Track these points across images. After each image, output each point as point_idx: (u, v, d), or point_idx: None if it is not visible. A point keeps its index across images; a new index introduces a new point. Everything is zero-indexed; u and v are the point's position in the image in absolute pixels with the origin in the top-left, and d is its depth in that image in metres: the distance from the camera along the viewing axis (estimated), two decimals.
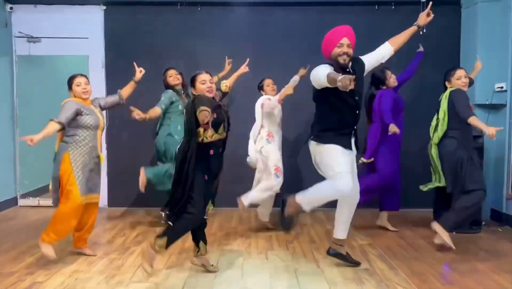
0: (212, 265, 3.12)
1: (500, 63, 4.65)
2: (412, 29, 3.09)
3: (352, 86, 2.47)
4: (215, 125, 2.90)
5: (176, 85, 4.30)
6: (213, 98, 3.00)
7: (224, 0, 5.15)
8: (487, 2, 4.72)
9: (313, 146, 3.07)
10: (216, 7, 5.21)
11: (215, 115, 2.86)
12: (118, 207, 5.25)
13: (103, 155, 3.65)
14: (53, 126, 3.18)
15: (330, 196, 3.00)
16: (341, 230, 3.16)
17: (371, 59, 3.09)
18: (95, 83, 5.21)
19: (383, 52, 3.08)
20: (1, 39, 5.11)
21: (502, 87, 4.59)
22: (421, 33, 5.01)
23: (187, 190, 2.82)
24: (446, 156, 3.56)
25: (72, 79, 3.39)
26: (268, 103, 4.07)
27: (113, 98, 3.65)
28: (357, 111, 2.99)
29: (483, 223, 4.36)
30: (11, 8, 5.22)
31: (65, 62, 6.12)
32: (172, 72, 4.32)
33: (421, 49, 4.31)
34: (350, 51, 2.91)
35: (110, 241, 3.90)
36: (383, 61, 3.10)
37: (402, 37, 3.08)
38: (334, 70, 2.85)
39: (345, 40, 2.89)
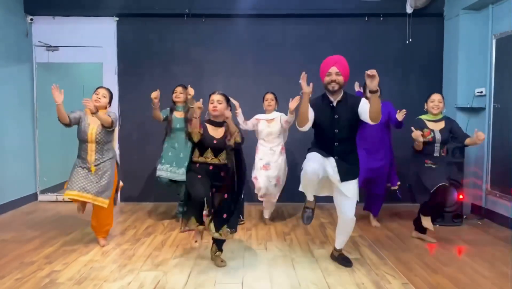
0: (222, 261, 3.09)
1: (480, 69, 4.65)
2: (371, 97, 2.68)
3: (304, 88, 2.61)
4: (200, 148, 2.91)
5: (178, 103, 4.22)
6: (220, 122, 2.99)
7: (226, 12, 5.16)
8: (468, 13, 4.72)
9: None
10: (220, 18, 5.21)
11: (201, 131, 2.86)
12: (130, 202, 5.26)
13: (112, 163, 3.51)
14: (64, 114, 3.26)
15: (302, 177, 2.83)
16: (336, 241, 3.13)
17: (365, 109, 2.78)
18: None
19: (366, 112, 2.78)
20: (22, 48, 5.12)
21: (481, 92, 4.60)
22: (407, 42, 5.08)
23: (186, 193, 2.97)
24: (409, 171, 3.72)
25: (96, 89, 3.43)
26: (250, 122, 4.17)
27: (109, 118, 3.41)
28: (335, 144, 2.83)
29: (464, 216, 4.36)
30: (31, 19, 5.22)
31: (80, 69, 6.13)
32: (177, 89, 4.23)
33: (400, 118, 3.78)
34: (339, 78, 2.78)
35: (122, 233, 3.91)
36: (363, 118, 2.81)
37: (372, 105, 2.71)
38: (320, 101, 2.89)
39: (333, 69, 2.79)
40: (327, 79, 2.83)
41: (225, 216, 2.93)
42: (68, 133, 3.49)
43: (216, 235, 2.94)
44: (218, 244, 3.11)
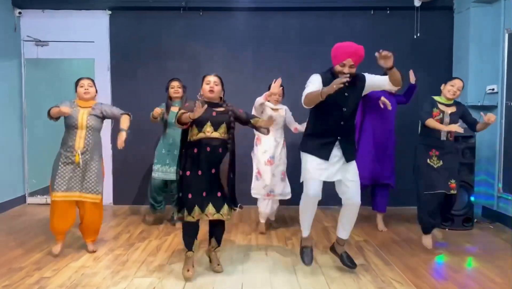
0: (219, 264, 3.09)
1: (491, 66, 4.65)
2: (390, 72, 2.79)
3: (344, 80, 2.51)
4: (198, 125, 2.88)
5: (176, 98, 4.19)
6: (216, 103, 2.98)
7: (225, 5, 5.15)
8: (479, 6, 4.72)
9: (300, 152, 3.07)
10: (217, 11, 5.21)
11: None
12: (123, 204, 5.26)
13: (104, 154, 3.54)
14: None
15: (303, 204, 3.00)
16: (340, 230, 3.12)
17: (375, 80, 2.93)
18: (101, 86, 5.22)
19: (384, 80, 2.90)
20: (10, 43, 5.11)
21: (493, 89, 4.60)
22: (415, 37, 5.08)
23: (179, 187, 2.94)
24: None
25: (77, 81, 3.44)
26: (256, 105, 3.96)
27: (116, 116, 3.52)
28: (341, 122, 2.87)
29: (475, 220, 4.36)
30: (19, 13, 5.22)
31: (71, 65, 6.11)
32: (174, 84, 4.18)
33: (412, 80, 4.16)
34: (352, 70, 2.82)
35: (115, 238, 3.90)
36: (383, 88, 2.98)
37: (392, 77, 2.83)
38: (327, 80, 2.79)
39: (348, 62, 2.79)
40: (339, 69, 2.84)
41: (219, 194, 2.92)
42: (59, 132, 3.47)
43: (218, 216, 2.90)
44: (217, 235, 3.10)
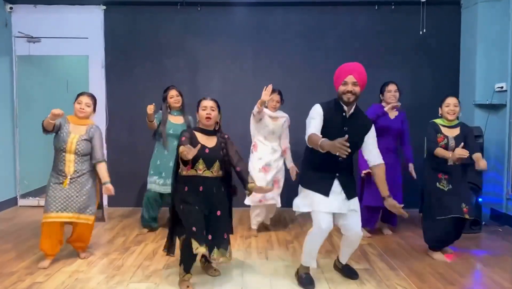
0: (215, 270, 3.10)
1: (500, 63, 4.66)
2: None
3: (342, 153, 2.37)
4: (192, 161, 2.73)
5: (176, 108, 4.15)
6: (211, 131, 2.91)
7: (224, 0, 5.16)
8: (487, 2, 4.73)
9: (300, 186, 3.00)
10: (216, 7, 5.22)
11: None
12: (118, 207, 5.26)
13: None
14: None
15: (314, 237, 2.86)
16: (343, 257, 3.11)
17: (369, 139, 2.86)
18: (95, 83, 5.27)
19: (371, 158, 2.87)
20: (1, 39, 5.12)
21: (502, 87, 4.60)
22: (421, 33, 5.08)
23: (173, 219, 2.92)
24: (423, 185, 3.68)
25: (77, 96, 3.34)
26: (253, 112, 3.96)
27: (96, 156, 3.34)
28: (339, 159, 2.72)
29: (483, 223, 4.37)
30: (11, 8, 5.22)
31: (64, 62, 6.13)
32: (173, 93, 4.11)
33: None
34: (356, 89, 2.74)
35: (110, 241, 3.91)
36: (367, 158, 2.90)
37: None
38: (330, 111, 2.78)
39: (350, 79, 2.74)
40: (342, 88, 2.77)
41: (225, 236, 2.90)
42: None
43: (225, 260, 2.87)
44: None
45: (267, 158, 4.00)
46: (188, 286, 2.83)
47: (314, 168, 2.88)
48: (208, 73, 5.26)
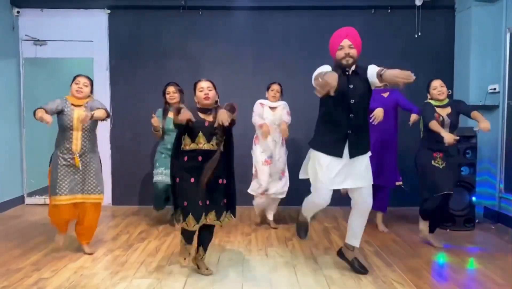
0: (207, 269, 3.06)
1: (493, 65, 4.66)
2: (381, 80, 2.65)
3: (331, 86, 2.39)
4: (190, 135, 2.83)
5: (173, 104, 4.17)
6: (210, 108, 2.92)
7: (224, 4, 5.16)
8: (481, 5, 4.73)
9: (310, 149, 3.03)
10: (217, 11, 5.22)
11: (191, 121, 2.76)
12: (122, 205, 5.26)
13: (100, 154, 3.48)
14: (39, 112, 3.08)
15: (311, 207, 3.06)
16: (350, 236, 3.06)
17: (370, 70, 2.79)
18: (100, 85, 5.26)
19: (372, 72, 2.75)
20: (8, 42, 5.12)
21: (495, 89, 4.60)
22: (416, 36, 5.08)
23: (173, 192, 2.93)
24: (416, 160, 3.76)
25: (74, 77, 3.38)
26: (256, 108, 4.13)
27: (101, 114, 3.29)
28: (350, 115, 2.79)
29: (477, 220, 4.36)
30: (18, 12, 5.22)
31: (70, 65, 6.11)
32: (170, 89, 4.17)
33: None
34: (353, 51, 2.77)
35: (114, 238, 3.91)
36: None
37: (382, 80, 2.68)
38: (334, 70, 2.74)
39: (345, 42, 2.77)
40: (340, 53, 2.79)
41: (225, 201, 2.93)
42: (57, 132, 3.46)
43: (217, 223, 2.90)
44: (205, 243, 3.06)
45: (269, 150, 4.06)
46: (185, 258, 2.96)
47: (326, 130, 2.89)
48: (209, 76, 5.13)
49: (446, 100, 3.63)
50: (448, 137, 3.33)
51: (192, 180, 2.81)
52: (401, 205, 4.88)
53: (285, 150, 4.17)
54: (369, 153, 2.94)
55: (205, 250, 3.09)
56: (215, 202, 2.88)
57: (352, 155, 2.84)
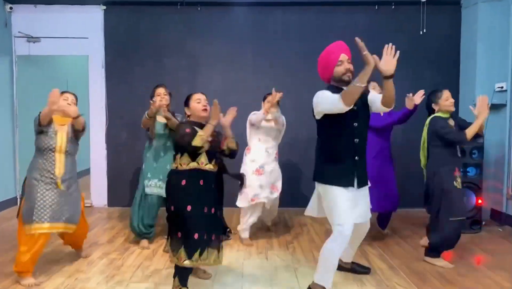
0: (205, 272, 3.07)
1: (500, 63, 4.66)
2: (386, 83, 2.55)
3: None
4: (191, 152, 2.59)
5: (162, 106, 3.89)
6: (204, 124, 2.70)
7: (224, 0, 5.16)
8: (487, 2, 4.73)
9: (317, 184, 2.81)
10: (216, 7, 5.22)
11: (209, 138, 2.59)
12: (118, 206, 5.26)
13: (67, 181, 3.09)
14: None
15: (337, 247, 2.65)
16: (348, 254, 3.10)
17: (372, 94, 2.78)
18: (95, 83, 5.28)
19: (377, 98, 2.69)
20: (0, 39, 5.12)
21: (502, 87, 4.60)
22: (421, 33, 5.08)
23: (169, 219, 2.68)
24: (429, 178, 3.44)
25: (62, 93, 3.07)
26: (253, 118, 3.84)
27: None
28: (355, 140, 2.66)
29: (483, 222, 4.37)
30: (10, 8, 5.22)
31: (64, 62, 6.14)
32: (161, 91, 3.87)
33: (409, 106, 3.69)
34: (351, 66, 2.67)
35: (110, 241, 3.91)
36: (374, 106, 2.74)
37: (386, 91, 2.59)
38: (336, 91, 2.61)
39: (343, 57, 2.65)
40: (340, 69, 2.65)
41: (219, 237, 2.72)
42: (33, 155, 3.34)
43: (217, 262, 2.66)
44: None
45: (260, 160, 3.85)
46: None
47: (332, 159, 2.70)
48: (208, 73, 5.25)
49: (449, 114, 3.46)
50: (480, 113, 3.17)
51: (206, 209, 2.60)
52: (405, 207, 4.89)
53: (277, 164, 3.96)
54: (369, 184, 2.84)
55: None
56: (217, 235, 2.67)
57: (360, 185, 2.70)
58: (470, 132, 3.24)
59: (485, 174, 4.51)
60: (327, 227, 4.41)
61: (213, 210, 2.65)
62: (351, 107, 2.50)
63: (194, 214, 2.54)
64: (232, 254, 3.58)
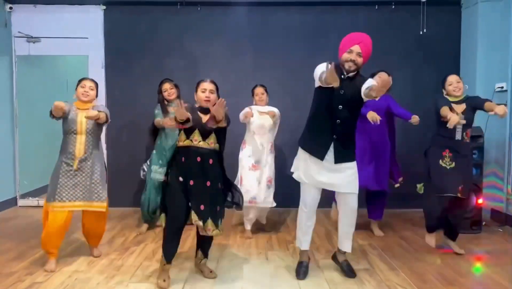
0: (211, 271, 3.08)
1: (500, 63, 4.66)
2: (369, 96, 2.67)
3: (330, 71, 2.46)
4: (186, 130, 2.84)
5: (171, 100, 4.18)
6: (206, 109, 2.91)
7: (224, 0, 5.16)
8: (488, 2, 4.73)
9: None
10: (216, 7, 5.22)
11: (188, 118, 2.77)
12: (118, 207, 5.25)
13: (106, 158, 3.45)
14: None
15: (300, 213, 3.12)
16: (340, 241, 3.13)
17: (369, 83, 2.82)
18: None
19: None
20: (0, 39, 5.12)
21: (502, 87, 4.60)
22: (421, 33, 5.09)
23: (163, 192, 2.93)
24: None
25: (80, 81, 3.38)
26: (241, 116, 3.97)
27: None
28: (337, 121, 2.84)
29: (484, 223, 4.37)
30: (10, 8, 5.22)
31: (64, 62, 6.13)
32: (167, 86, 4.18)
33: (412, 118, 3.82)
34: (358, 60, 2.79)
35: (109, 241, 3.91)
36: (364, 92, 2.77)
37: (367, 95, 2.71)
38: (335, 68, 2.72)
39: (356, 48, 2.78)
40: (346, 56, 2.81)
41: (218, 208, 2.88)
42: (51, 132, 3.47)
43: (217, 233, 2.83)
44: (205, 248, 3.08)
45: (256, 156, 3.97)
46: (164, 280, 2.85)
47: (313, 131, 2.98)
48: (208, 73, 5.19)
49: (462, 97, 3.50)
50: (453, 118, 3.19)
51: (192, 182, 2.80)
52: (405, 207, 4.89)
53: (273, 156, 4.05)
54: (355, 162, 2.97)
55: (206, 255, 3.11)
56: (211, 208, 2.82)
57: (337, 160, 2.90)
58: (444, 110, 3.31)
59: (485, 174, 4.51)
60: (327, 228, 4.41)
61: (208, 183, 2.83)
62: (332, 86, 2.66)
63: (174, 194, 2.80)
64: (232, 253, 3.58)
